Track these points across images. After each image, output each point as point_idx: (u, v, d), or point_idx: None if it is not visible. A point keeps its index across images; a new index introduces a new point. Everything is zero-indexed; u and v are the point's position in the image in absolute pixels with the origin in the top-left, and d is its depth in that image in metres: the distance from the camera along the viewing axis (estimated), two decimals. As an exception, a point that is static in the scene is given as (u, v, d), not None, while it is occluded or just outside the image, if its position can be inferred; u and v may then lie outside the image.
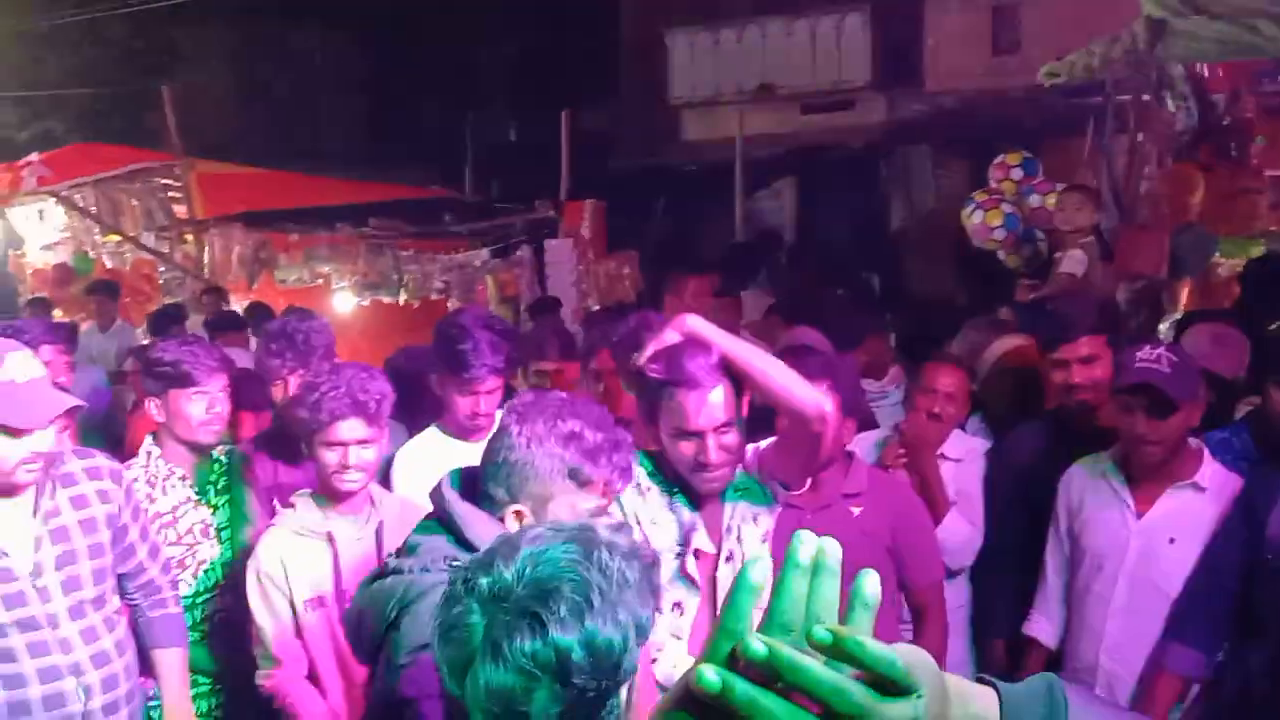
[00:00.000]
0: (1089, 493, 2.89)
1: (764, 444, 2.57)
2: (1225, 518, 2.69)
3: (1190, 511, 2.74)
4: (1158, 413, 2.66)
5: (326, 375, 2.75)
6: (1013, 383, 3.71)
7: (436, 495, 2.01)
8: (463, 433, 3.17)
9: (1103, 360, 3.11)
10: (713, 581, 2.43)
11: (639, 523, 2.39)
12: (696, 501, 2.42)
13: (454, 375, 3.10)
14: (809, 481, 2.69)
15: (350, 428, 2.69)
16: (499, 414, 3.23)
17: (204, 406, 3.09)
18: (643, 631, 1.32)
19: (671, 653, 2.40)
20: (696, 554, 2.40)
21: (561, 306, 7.79)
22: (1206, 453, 2.81)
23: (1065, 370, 3.14)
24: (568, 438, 1.92)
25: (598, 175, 10.85)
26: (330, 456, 2.69)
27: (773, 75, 13.06)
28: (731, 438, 2.31)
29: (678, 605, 2.40)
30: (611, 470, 1.94)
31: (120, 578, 2.78)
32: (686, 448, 2.30)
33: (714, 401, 2.25)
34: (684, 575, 2.40)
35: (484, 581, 1.30)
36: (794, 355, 2.98)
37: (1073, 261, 5.73)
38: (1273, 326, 4.32)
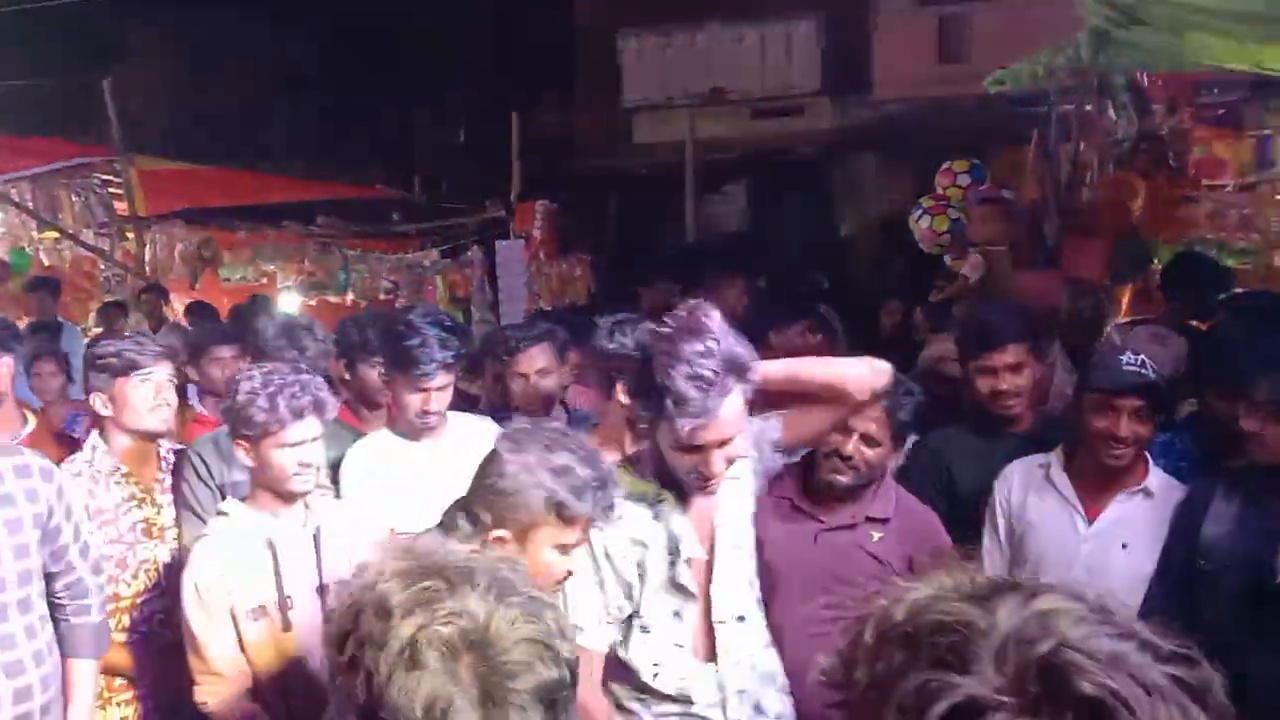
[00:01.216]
0: (1031, 495, 2.88)
1: (770, 417, 2.52)
2: (1172, 527, 2.73)
3: (1140, 517, 2.77)
4: (1145, 415, 2.70)
5: (264, 375, 2.66)
6: (938, 386, 3.75)
7: None
8: (413, 432, 3.13)
9: (1028, 368, 3.15)
10: (707, 586, 2.41)
11: (607, 556, 2.34)
12: (685, 501, 2.38)
13: (403, 372, 3.06)
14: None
15: (309, 426, 2.62)
16: (450, 416, 3.23)
17: (152, 392, 3.05)
18: None
19: (675, 663, 2.38)
20: (689, 562, 2.37)
21: None
22: (1150, 459, 2.85)
23: (992, 378, 3.15)
24: (558, 471, 1.91)
25: (550, 177, 10.83)
26: (286, 457, 2.60)
27: (724, 80, 13.13)
28: (735, 446, 2.25)
29: (676, 614, 2.38)
30: (595, 507, 1.93)
31: (49, 578, 2.71)
32: (689, 459, 2.24)
33: (726, 418, 2.18)
34: (677, 585, 2.37)
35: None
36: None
37: (969, 266, 5.88)
38: (1205, 326, 4.42)
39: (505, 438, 2.02)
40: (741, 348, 2.20)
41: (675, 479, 2.34)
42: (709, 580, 2.41)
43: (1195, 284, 4.80)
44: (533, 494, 1.91)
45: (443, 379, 3.08)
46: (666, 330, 2.20)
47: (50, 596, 2.73)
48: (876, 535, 2.81)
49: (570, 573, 2.01)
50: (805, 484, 2.85)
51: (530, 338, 3.60)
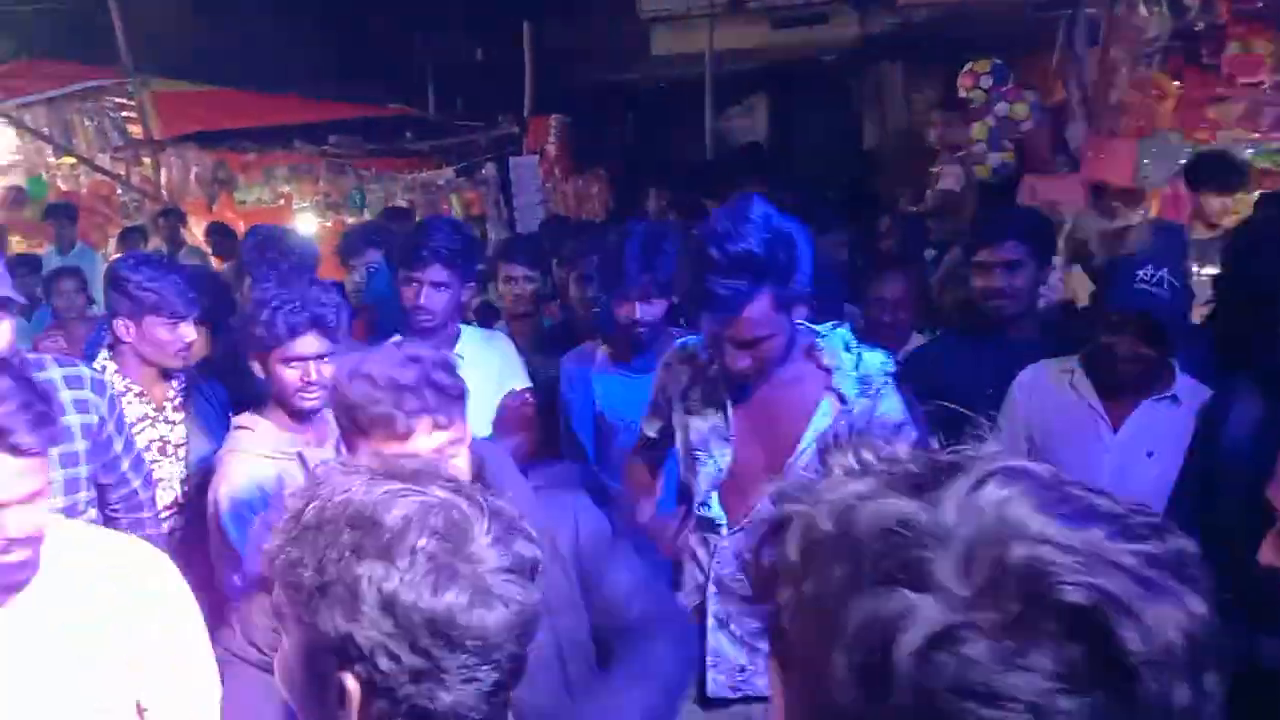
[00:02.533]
0: (1053, 401, 2.78)
1: None
2: (1195, 432, 2.62)
3: (1167, 424, 2.67)
4: (1148, 337, 2.59)
5: (276, 291, 2.67)
6: (955, 294, 3.68)
7: None
8: (415, 334, 3.08)
9: (1026, 269, 3.00)
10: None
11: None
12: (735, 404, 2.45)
13: (403, 265, 3.02)
14: None
15: (309, 343, 2.63)
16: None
17: (180, 334, 3.05)
18: None
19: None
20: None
21: None
22: (1176, 365, 2.75)
23: (987, 275, 3.01)
24: (350, 378, 1.78)
25: (565, 91, 10.63)
26: (290, 374, 2.63)
27: (744, -11, 12.76)
28: (765, 348, 2.27)
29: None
30: (407, 413, 1.73)
31: (102, 489, 2.74)
32: (719, 355, 2.31)
33: (749, 317, 2.22)
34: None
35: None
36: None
37: (949, 178, 5.72)
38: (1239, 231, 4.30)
39: None
40: (783, 250, 2.12)
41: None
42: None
43: (1219, 181, 4.68)
44: (337, 411, 1.82)
45: (438, 272, 3.00)
46: (704, 226, 2.20)
47: (105, 509, 2.77)
48: None
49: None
50: None
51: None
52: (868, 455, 0.69)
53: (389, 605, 1.02)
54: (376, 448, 1.71)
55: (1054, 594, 0.58)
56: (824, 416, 2.33)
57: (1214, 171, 4.81)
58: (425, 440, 1.73)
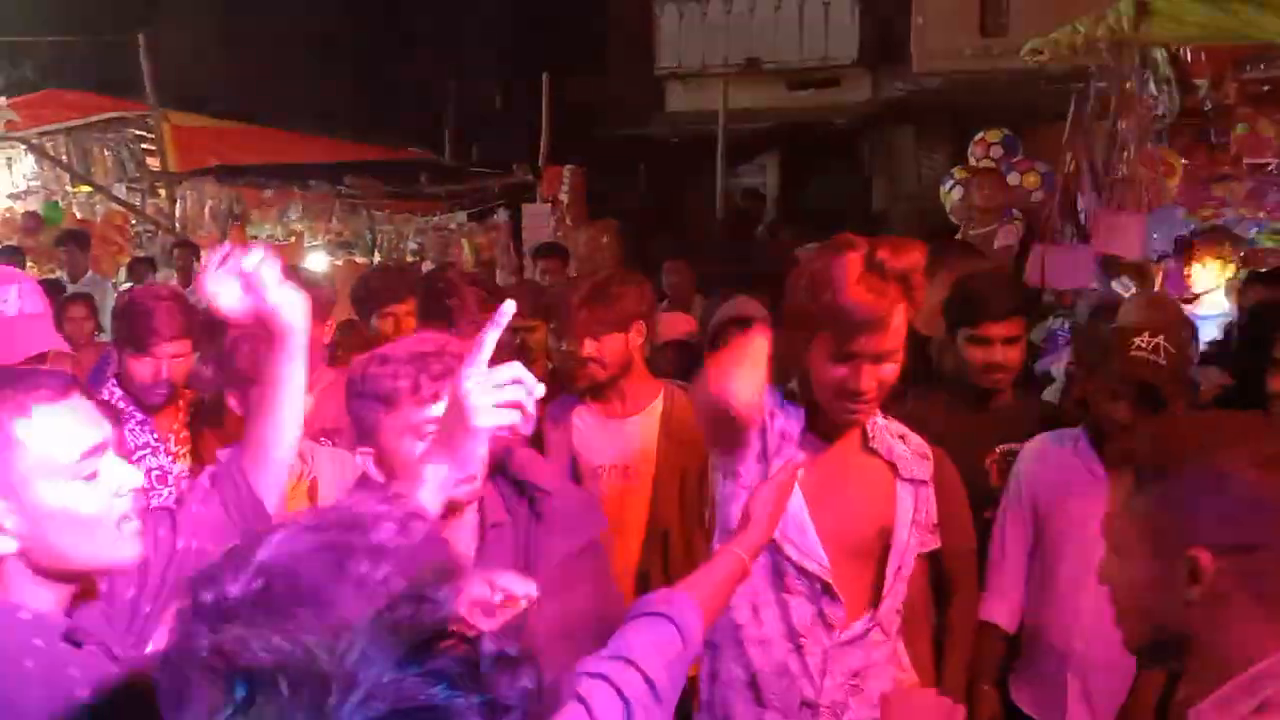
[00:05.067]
0: (1059, 469, 2.77)
1: None
2: None
3: None
4: (1146, 406, 2.58)
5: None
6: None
7: None
8: None
9: (1020, 343, 3.01)
10: None
11: None
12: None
13: (436, 329, 3.07)
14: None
15: None
16: None
17: (151, 371, 2.99)
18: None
19: None
20: None
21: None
22: None
23: (986, 348, 2.96)
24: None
25: (581, 143, 10.78)
26: None
27: (759, 50, 12.97)
28: (889, 369, 2.14)
29: None
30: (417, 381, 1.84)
31: None
32: (839, 372, 2.12)
33: (893, 328, 2.10)
34: None
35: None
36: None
37: (1008, 235, 5.86)
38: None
39: None
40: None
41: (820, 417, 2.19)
42: None
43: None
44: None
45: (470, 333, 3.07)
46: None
47: None
48: None
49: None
50: None
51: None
52: None
53: None
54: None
55: None
56: None
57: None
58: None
